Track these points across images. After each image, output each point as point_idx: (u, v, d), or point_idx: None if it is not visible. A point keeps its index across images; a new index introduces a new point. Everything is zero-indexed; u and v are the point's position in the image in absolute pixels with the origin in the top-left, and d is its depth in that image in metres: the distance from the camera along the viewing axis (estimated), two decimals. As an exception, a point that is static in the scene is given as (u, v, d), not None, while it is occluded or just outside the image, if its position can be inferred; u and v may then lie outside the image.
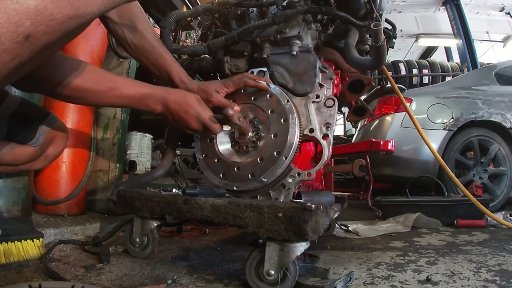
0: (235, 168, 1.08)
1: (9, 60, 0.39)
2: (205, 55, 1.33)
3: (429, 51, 9.34)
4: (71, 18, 0.42)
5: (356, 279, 0.93)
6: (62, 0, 0.40)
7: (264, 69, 1.20)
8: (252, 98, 1.13)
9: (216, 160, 1.12)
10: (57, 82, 0.79)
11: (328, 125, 1.08)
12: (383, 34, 0.92)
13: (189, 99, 0.96)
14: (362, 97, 1.49)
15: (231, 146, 1.13)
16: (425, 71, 6.57)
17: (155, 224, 1.06)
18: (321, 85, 1.17)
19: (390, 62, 6.70)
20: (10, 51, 0.38)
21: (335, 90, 1.25)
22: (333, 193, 1.48)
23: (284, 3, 1.18)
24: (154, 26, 2.05)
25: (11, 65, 0.40)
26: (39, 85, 0.80)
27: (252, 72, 1.21)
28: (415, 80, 6.51)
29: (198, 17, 1.51)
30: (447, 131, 2.81)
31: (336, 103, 1.09)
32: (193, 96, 0.98)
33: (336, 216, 1.29)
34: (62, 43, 0.61)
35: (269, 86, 1.10)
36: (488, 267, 1.07)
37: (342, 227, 1.84)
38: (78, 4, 0.43)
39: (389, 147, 1.56)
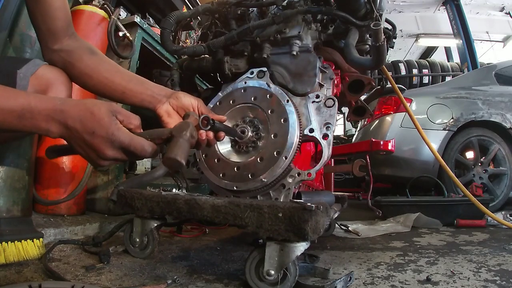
0: (235, 168, 1.08)
1: None
2: (205, 55, 1.33)
3: (429, 51, 9.34)
4: None
5: (356, 279, 0.93)
6: None
7: (264, 69, 1.20)
8: (252, 98, 1.13)
9: (216, 160, 1.12)
10: None
11: (328, 125, 1.08)
12: (383, 34, 0.93)
13: (96, 110, 0.62)
14: (362, 97, 1.49)
15: (231, 146, 1.13)
16: (425, 71, 6.56)
17: (155, 224, 1.06)
18: (321, 85, 1.17)
19: (390, 62, 6.70)
20: None
21: (335, 90, 1.25)
22: (333, 193, 1.48)
23: (284, 3, 1.18)
24: (153, 26, 2.05)
25: None
26: None
27: (252, 72, 1.21)
28: (415, 80, 6.50)
29: (198, 17, 1.51)
30: (447, 131, 2.81)
31: (336, 103, 1.09)
32: (102, 106, 0.64)
33: (336, 216, 1.29)
34: None
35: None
36: (488, 267, 1.07)
37: (342, 227, 1.84)
38: None
39: (389, 147, 1.56)
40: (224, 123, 0.87)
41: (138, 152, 0.65)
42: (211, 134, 0.82)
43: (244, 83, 1.18)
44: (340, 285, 0.84)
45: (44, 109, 0.62)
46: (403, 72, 6.53)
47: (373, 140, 1.58)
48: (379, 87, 2.72)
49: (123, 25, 1.74)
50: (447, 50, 8.56)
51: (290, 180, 1.05)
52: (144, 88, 0.88)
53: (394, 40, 1.39)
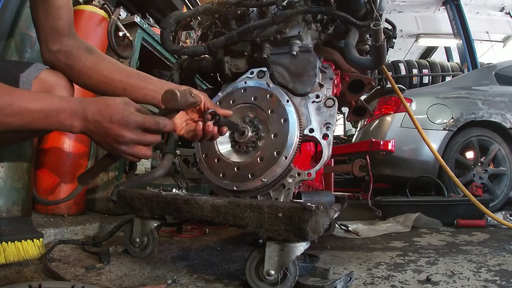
0: (235, 168, 1.09)
1: None
2: (205, 55, 1.33)
3: (429, 51, 9.34)
4: None
5: (356, 279, 0.93)
6: None
7: (264, 69, 1.20)
8: (252, 98, 1.13)
9: (216, 160, 1.12)
10: None
11: (328, 125, 1.08)
12: (383, 34, 0.93)
13: (111, 102, 0.72)
14: (362, 97, 1.49)
15: (231, 146, 1.13)
16: (425, 71, 6.56)
17: (155, 224, 1.06)
18: (321, 85, 1.17)
19: (390, 62, 6.70)
20: None
21: (335, 90, 1.25)
22: (333, 193, 1.48)
23: (284, 3, 1.18)
24: (153, 26, 2.05)
25: None
26: None
27: (252, 72, 1.21)
28: (415, 80, 6.50)
29: (198, 17, 1.51)
30: (447, 131, 2.81)
31: (336, 103, 1.09)
32: (117, 98, 0.73)
33: (336, 216, 1.29)
34: None
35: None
36: (488, 267, 1.07)
37: (342, 227, 1.84)
38: None
39: (389, 147, 1.56)
40: (228, 118, 0.87)
41: (153, 126, 0.72)
42: (215, 128, 0.83)
43: (244, 83, 1.18)
44: (340, 285, 0.84)
45: (68, 107, 0.70)
46: (403, 72, 6.53)
47: (373, 140, 1.58)
48: (379, 87, 2.72)
49: (123, 25, 1.74)
50: (447, 50, 8.56)
51: (290, 180, 1.05)
52: (146, 83, 0.88)
53: (394, 40, 1.39)
